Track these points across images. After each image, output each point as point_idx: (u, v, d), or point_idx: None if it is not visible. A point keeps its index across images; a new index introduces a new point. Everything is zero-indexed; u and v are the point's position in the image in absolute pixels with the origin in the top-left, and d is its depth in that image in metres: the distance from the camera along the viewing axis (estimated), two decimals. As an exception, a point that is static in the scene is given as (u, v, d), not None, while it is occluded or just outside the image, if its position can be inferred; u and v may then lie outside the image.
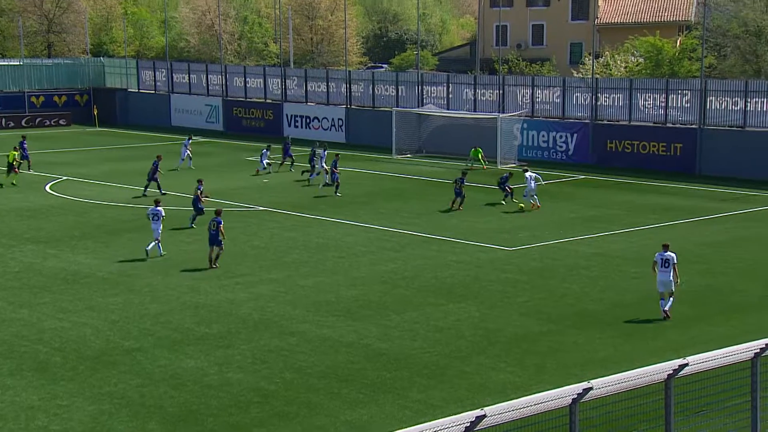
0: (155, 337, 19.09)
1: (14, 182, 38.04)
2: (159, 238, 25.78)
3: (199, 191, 29.97)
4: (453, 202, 32.25)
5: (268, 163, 40.94)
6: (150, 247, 25.68)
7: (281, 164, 41.64)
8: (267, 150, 41.13)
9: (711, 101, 40.38)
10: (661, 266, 20.03)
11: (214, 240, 24.36)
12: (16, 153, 38.86)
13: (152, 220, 25.88)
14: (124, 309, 21.01)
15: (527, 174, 32.71)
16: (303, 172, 38.81)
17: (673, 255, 20.08)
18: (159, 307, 21.19)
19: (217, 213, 24.99)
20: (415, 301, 21.54)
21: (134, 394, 16.13)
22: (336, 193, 35.33)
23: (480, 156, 42.20)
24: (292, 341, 18.75)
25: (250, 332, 19.35)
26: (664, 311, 19.86)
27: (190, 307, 21.17)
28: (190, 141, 42.90)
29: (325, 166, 37.07)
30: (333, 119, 52.61)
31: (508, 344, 18.50)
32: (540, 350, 18.15)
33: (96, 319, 20.32)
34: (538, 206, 31.98)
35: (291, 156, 41.70)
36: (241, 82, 57.89)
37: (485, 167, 42.01)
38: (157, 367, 17.37)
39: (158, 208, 26.04)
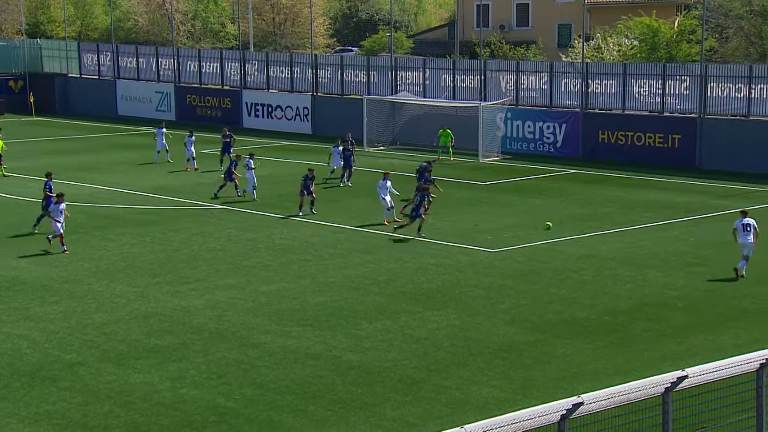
0: (100, 349, 18.95)
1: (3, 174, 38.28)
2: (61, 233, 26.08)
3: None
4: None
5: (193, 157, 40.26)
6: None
7: (221, 161, 40.85)
8: (191, 137, 40.60)
9: (712, 88, 40.73)
10: (743, 231, 24.03)
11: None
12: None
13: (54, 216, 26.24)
14: (64, 319, 20.85)
15: None
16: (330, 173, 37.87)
17: (753, 220, 24.13)
18: (104, 316, 21.04)
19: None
20: (389, 309, 21.56)
21: (76, 414, 16.00)
22: (347, 182, 36.52)
23: (450, 141, 42.19)
24: (253, 353, 18.70)
25: (205, 344, 19.27)
26: (736, 269, 23.89)
27: (138, 316, 21.05)
28: (164, 130, 42.08)
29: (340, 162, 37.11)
30: (297, 108, 52.49)
31: (491, 355, 18.57)
32: (526, 362, 18.23)
33: (33, 330, 20.14)
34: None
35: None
36: (195, 67, 57.64)
37: (452, 159, 42.09)
38: (102, 383, 17.24)
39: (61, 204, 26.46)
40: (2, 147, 38.82)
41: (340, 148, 37.57)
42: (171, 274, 24.44)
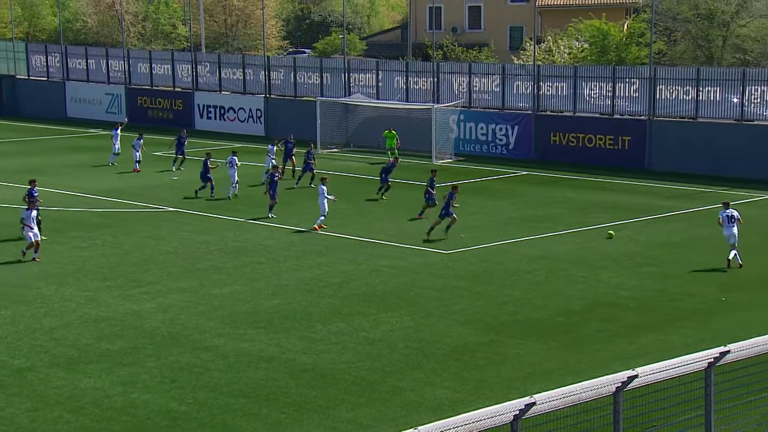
0: (49, 354, 18.70)
1: None
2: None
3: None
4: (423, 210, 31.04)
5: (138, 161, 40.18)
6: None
7: (174, 160, 40.92)
8: (140, 139, 40.46)
9: (661, 90, 41.29)
10: (728, 222, 25.21)
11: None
12: None
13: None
14: (13, 323, 20.53)
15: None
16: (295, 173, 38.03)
17: (735, 211, 25.39)
18: (53, 320, 20.77)
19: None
20: (343, 311, 21.54)
21: (25, 420, 15.76)
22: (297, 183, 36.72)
23: (395, 143, 42.45)
24: (206, 357, 18.57)
25: (157, 347, 19.10)
26: (729, 260, 24.90)
27: (89, 320, 20.80)
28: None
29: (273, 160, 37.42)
30: (250, 110, 52.25)
31: (445, 357, 18.64)
32: (479, 363, 18.33)
33: (-19, 336, 19.80)
34: None
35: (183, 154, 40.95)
36: (146, 69, 57.12)
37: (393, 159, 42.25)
38: (52, 388, 17.02)
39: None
40: None
41: (274, 148, 38.10)
42: (122, 277, 24.19)
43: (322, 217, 29.40)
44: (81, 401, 16.47)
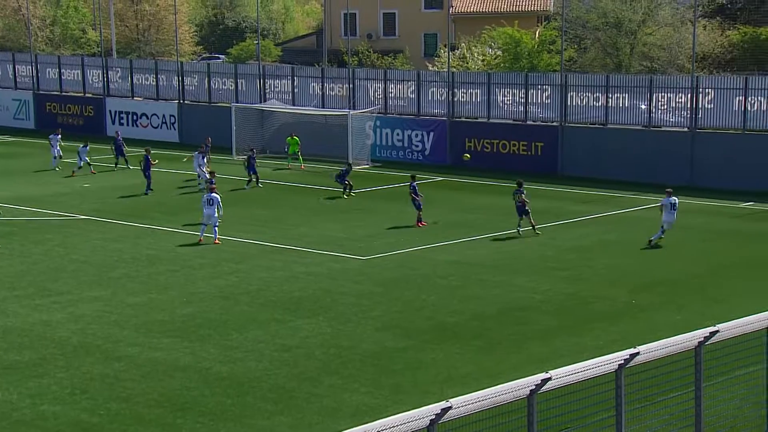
0: (-45, 368, 18.12)
1: None
2: None
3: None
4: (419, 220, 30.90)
5: (88, 163, 40.13)
6: None
7: (116, 164, 41.09)
8: (86, 147, 40.35)
9: (572, 97, 42.05)
10: (670, 209, 27.80)
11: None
12: None
13: None
14: None
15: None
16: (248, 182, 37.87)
17: (677, 199, 28.19)
18: (-41, 333, 20.12)
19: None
20: (259, 318, 21.38)
21: (-71, 437, 15.25)
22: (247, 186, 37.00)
23: (298, 150, 42.64)
24: (119, 366, 18.23)
25: (68, 358, 18.68)
26: (651, 240, 27.84)
27: (-4, 332, 20.21)
28: (59, 136, 41.10)
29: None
30: (164, 116, 51.53)
31: (362, 362, 18.65)
32: (396, 368, 18.39)
33: None
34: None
35: (124, 156, 41.36)
36: (55, 74, 55.87)
37: (302, 167, 42.44)
38: (-42, 403, 16.49)
39: None
40: None
41: (200, 154, 38.21)
42: (31, 286, 23.58)
43: (204, 227, 28.58)
44: (-12, 415, 15.99)
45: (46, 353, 18.94)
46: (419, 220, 30.95)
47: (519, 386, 11.28)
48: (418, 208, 30.96)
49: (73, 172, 40.00)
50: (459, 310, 22.12)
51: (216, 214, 28.18)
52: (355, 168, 42.40)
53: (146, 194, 35.82)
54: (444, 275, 25.14)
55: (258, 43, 57.57)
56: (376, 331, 20.61)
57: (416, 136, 44.75)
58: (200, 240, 28.29)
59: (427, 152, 44.52)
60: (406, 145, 44.99)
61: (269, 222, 31.62)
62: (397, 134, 45.21)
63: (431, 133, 44.43)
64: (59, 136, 42.80)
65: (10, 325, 20.67)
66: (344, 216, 32.75)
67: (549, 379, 11.38)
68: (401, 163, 43.99)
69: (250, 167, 37.82)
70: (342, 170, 36.27)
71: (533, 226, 29.60)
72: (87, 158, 40.10)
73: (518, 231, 29.59)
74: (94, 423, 15.82)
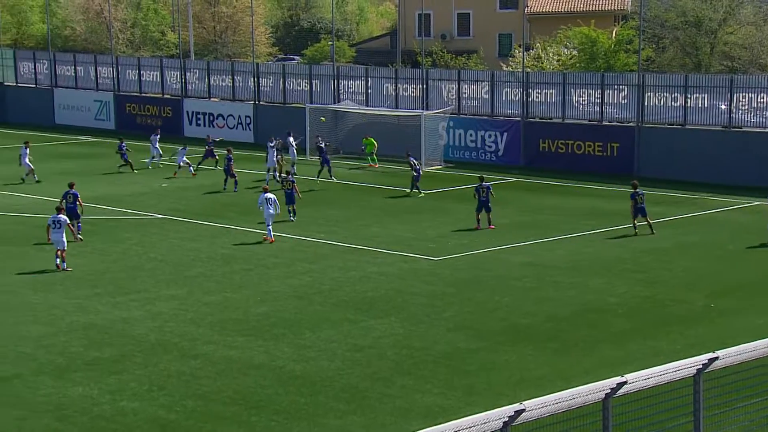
0: (37, 362, 18.62)
1: None
2: (63, 249, 25.36)
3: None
4: (481, 218, 30.54)
5: (187, 164, 40.67)
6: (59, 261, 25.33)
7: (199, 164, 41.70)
8: (184, 149, 41.05)
9: (649, 97, 41.42)
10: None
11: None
12: None
13: (53, 229, 25.42)
14: None
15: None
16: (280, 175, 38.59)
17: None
18: (41, 328, 20.68)
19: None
20: (332, 318, 21.52)
21: (12, 428, 15.69)
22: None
23: (373, 150, 43.01)
24: (195, 364, 18.53)
25: (146, 355, 19.05)
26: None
27: (77, 328, 20.72)
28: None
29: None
30: (239, 116, 52.19)
31: (435, 363, 18.63)
32: (469, 369, 18.33)
33: (-32, 344, 19.71)
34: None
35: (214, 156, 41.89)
36: (134, 75, 57.01)
37: (376, 165, 42.91)
38: (40, 396, 16.94)
39: (60, 215, 25.78)
40: None
41: (272, 144, 38.95)
42: (111, 285, 24.11)
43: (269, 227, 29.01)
44: (69, 409, 16.40)
45: (125, 350, 19.34)
46: (489, 222, 30.66)
47: (594, 390, 11.17)
48: (488, 210, 30.66)
49: (175, 173, 40.24)
50: (533, 312, 21.97)
51: (273, 211, 28.62)
52: (427, 169, 42.48)
53: (235, 191, 36.69)
54: (518, 277, 24.99)
55: (332, 44, 57.99)
56: (449, 331, 20.58)
57: (489, 136, 44.58)
58: (271, 240, 28.62)
59: (500, 153, 44.30)
60: (479, 145, 44.85)
61: (342, 222, 31.81)
62: (470, 135, 45.08)
63: (505, 134, 44.20)
64: (158, 136, 43.59)
65: (90, 322, 21.17)
66: (416, 217, 32.76)
67: (625, 382, 11.25)
68: (474, 163, 43.85)
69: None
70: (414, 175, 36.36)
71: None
72: (186, 160, 40.63)
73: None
74: (171, 420, 16.10)
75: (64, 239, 25.57)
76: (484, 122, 44.97)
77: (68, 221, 26.37)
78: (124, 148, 41.95)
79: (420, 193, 36.35)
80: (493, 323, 21.18)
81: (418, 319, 21.39)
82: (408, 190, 36.72)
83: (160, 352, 19.25)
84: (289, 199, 31.43)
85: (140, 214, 33.06)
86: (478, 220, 30.46)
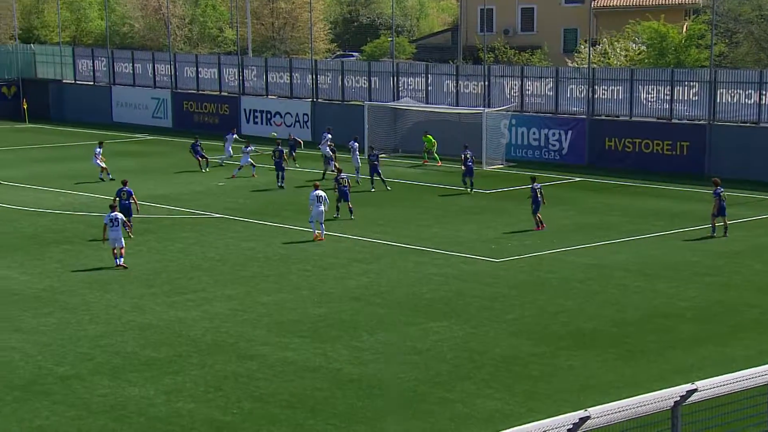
0: (94, 362, 18.93)
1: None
2: (122, 246, 25.86)
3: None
4: (538, 223, 30.22)
5: (251, 164, 40.90)
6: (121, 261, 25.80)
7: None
8: (248, 147, 41.34)
9: (721, 94, 40.73)
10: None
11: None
12: None
13: (111, 227, 25.87)
14: (57, 330, 20.82)
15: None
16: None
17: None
18: (98, 328, 21.02)
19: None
20: (390, 320, 21.53)
21: (70, 428, 15.97)
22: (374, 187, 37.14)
23: (433, 147, 43.08)
24: (251, 366, 18.67)
25: (202, 356, 19.24)
26: None
27: (134, 327, 21.03)
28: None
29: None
30: (297, 114, 52.53)
31: (496, 368, 18.54)
32: (531, 374, 18.20)
33: (25, 342, 20.11)
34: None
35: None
36: (192, 73, 57.69)
37: (439, 163, 42.74)
38: (96, 396, 17.22)
39: (115, 213, 26.29)
40: None
41: (356, 143, 39.64)
42: (167, 284, 24.42)
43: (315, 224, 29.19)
44: (125, 410, 16.64)
45: (181, 350, 19.57)
46: (540, 223, 30.32)
47: (662, 397, 11.01)
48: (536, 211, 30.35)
49: (233, 175, 40.50)
50: (597, 316, 21.74)
51: (323, 208, 28.84)
52: (489, 168, 42.33)
53: (282, 187, 37.29)
54: (582, 279, 24.75)
55: (392, 40, 58.09)
56: (510, 335, 20.45)
57: (553, 135, 44.26)
58: (316, 237, 28.82)
59: (564, 152, 43.95)
60: (542, 144, 44.54)
61: (400, 222, 31.81)
62: (534, 133, 44.80)
63: (569, 132, 43.85)
64: (234, 135, 44.01)
65: (147, 322, 21.46)
66: (476, 217, 32.63)
67: (695, 390, 11.07)
68: (537, 162, 43.58)
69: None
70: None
71: None
72: (249, 160, 41.00)
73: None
74: (227, 422, 16.24)
75: (122, 237, 26.04)
76: (547, 120, 44.65)
77: (125, 218, 26.88)
78: (198, 147, 41.98)
79: (470, 189, 36.39)
80: (555, 327, 21.00)
81: (479, 322, 21.31)
82: (468, 189, 36.66)
83: (216, 352, 19.43)
84: (344, 196, 31.59)
85: (197, 213, 33.44)
86: (538, 221, 30.23)
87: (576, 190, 38.08)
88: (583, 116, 43.80)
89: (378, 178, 37.34)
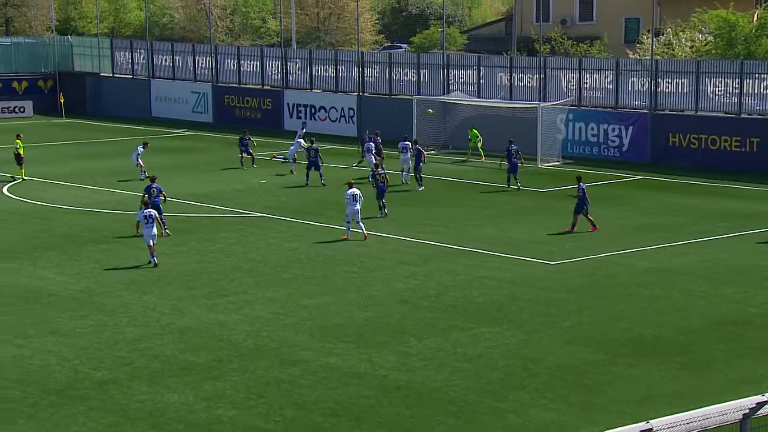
0: (132, 366, 19.15)
1: (23, 177, 39.42)
2: (152, 244, 26.23)
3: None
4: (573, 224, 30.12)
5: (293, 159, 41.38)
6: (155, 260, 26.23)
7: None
8: (303, 128, 41.58)
9: (794, 87, 40.23)
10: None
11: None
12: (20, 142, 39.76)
13: (146, 224, 26.25)
14: (94, 333, 21.10)
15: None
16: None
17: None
18: (136, 331, 21.27)
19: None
20: (439, 325, 21.53)
21: (106, 435, 16.17)
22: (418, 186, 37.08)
23: (478, 141, 43.19)
24: (294, 372, 18.78)
25: (244, 361, 19.39)
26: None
27: (173, 331, 21.24)
28: (304, 129, 42.99)
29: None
30: (342, 109, 52.74)
31: (551, 376, 18.47)
32: (589, 384, 18.10)
33: (62, 345, 20.41)
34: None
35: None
36: (234, 65, 58.19)
37: (483, 158, 42.71)
38: (134, 402, 17.42)
39: (149, 210, 26.66)
40: (21, 149, 39.52)
41: (371, 144, 39.55)
42: (207, 286, 24.64)
43: (349, 224, 29.34)
44: (164, 416, 16.82)
45: (221, 355, 19.73)
46: (572, 226, 30.02)
47: (730, 409, 10.90)
48: (577, 212, 30.05)
49: (291, 170, 40.96)
50: (660, 323, 21.56)
51: (358, 207, 29.02)
52: (544, 165, 42.15)
53: (323, 185, 37.55)
54: (643, 284, 24.56)
55: (443, 31, 58.02)
56: (566, 342, 20.35)
57: (613, 130, 44.01)
58: (346, 237, 29.02)
59: (624, 148, 43.68)
60: (601, 140, 44.30)
61: (450, 222, 31.79)
62: (592, 128, 44.58)
63: (630, 128, 43.57)
64: (304, 129, 44.35)
65: (186, 325, 21.67)
66: (530, 217, 32.50)
67: (766, 402, 10.94)
68: (595, 160, 43.33)
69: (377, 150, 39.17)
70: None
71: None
72: (297, 147, 41.40)
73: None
74: (269, 429, 16.35)
75: (155, 234, 26.40)
76: (607, 115, 44.40)
77: (158, 216, 27.26)
78: (247, 142, 42.08)
79: (515, 186, 36.47)
80: (615, 334, 20.86)
81: (533, 328, 21.23)
82: (510, 186, 36.55)
83: (258, 357, 19.57)
84: (380, 193, 31.70)
85: (237, 212, 33.70)
86: (591, 222, 29.97)
87: (637, 188, 37.79)
88: (645, 111, 43.48)
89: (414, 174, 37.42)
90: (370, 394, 17.66)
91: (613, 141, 44.02)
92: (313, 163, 38.00)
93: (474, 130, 43.83)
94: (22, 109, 61.91)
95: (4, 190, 37.79)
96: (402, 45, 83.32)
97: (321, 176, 37.99)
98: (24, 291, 24.23)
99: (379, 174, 32.19)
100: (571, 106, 45.01)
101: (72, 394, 17.82)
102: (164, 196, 30.09)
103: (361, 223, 29.26)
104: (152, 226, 26.35)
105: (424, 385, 18.09)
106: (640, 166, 41.79)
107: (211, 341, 20.55)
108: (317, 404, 17.27)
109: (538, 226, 30.97)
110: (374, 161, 36.85)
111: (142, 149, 40.03)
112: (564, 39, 65.94)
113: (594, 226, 29.99)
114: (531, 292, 23.96)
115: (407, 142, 38.68)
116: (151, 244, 26.28)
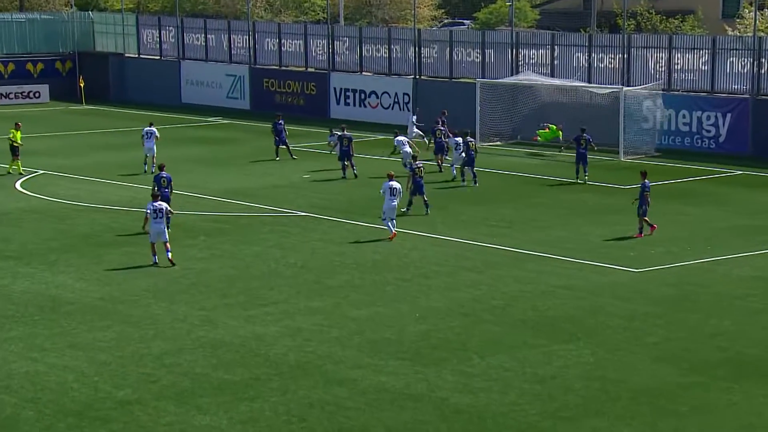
0: (158, 385, 19.33)
1: (20, 171, 39.90)
2: (166, 240, 26.54)
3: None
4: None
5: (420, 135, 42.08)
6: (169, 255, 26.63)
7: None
8: (414, 116, 41.72)
9: None
10: None
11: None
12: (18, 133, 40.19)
13: (154, 219, 26.66)
14: (117, 347, 21.32)
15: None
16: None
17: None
18: (164, 344, 21.46)
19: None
20: (506, 341, 21.49)
21: (130, 461, 16.34)
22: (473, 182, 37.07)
23: (552, 139, 43.30)
24: (340, 392, 18.83)
25: (284, 379, 19.49)
26: None
27: (204, 345, 21.40)
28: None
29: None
30: (396, 94, 52.77)
31: (634, 401, 18.36)
32: (679, 410, 17.98)
33: (80, 360, 20.65)
34: None
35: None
36: (274, 45, 58.50)
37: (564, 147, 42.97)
38: (161, 425, 17.57)
39: (159, 202, 26.99)
40: (19, 140, 39.82)
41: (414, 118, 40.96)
42: (243, 294, 24.80)
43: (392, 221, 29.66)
44: (193, 440, 16.95)
45: (259, 372, 19.85)
46: (641, 231, 29.68)
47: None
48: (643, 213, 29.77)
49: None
50: (762, 340, 21.36)
51: (396, 203, 29.31)
52: (627, 159, 41.83)
53: (356, 176, 38.20)
54: (741, 295, 24.34)
55: (512, 5, 57.80)
56: (653, 362, 20.22)
57: (708, 118, 43.66)
58: (394, 234, 29.27)
59: (721, 139, 43.31)
60: (694, 130, 44.00)
61: (517, 223, 31.70)
62: (684, 116, 44.28)
63: (728, 115, 43.19)
64: (415, 117, 44.75)
65: (219, 338, 21.82)
66: (611, 218, 32.27)
67: None
68: (687, 152, 43.01)
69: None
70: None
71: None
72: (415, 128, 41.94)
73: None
74: (310, 457, 16.42)
75: (166, 229, 26.62)
76: (701, 100, 44.10)
77: (170, 209, 27.41)
78: (281, 127, 42.28)
79: (582, 179, 36.76)
80: (710, 353, 20.69)
81: (614, 345, 21.11)
82: (578, 179, 36.63)
83: (300, 376, 19.66)
84: (419, 188, 31.87)
85: (277, 211, 33.87)
86: (648, 223, 29.68)
87: (736, 185, 37.42)
88: (746, 96, 43.06)
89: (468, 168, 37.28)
90: (426, 419, 17.67)
91: (708, 131, 43.63)
92: (345, 153, 38.19)
93: (552, 126, 43.00)
94: (37, 94, 62.74)
95: (17, 185, 38.32)
96: (465, 21, 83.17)
97: (353, 167, 38.13)
98: (39, 299, 24.57)
99: (418, 167, 32.21)
100: (659, 90, 44.65)
101: (92, 414, 18.01)
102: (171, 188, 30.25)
103: (395, 220, 29.37)
104: (161, 222, 26.57)
105: (488, 409, 18.07)
106: (740, 160, 41.37)
107: (248, 357, 20.67)
108: (366, 429, 17.31)
109: (618, 229, 30.75)
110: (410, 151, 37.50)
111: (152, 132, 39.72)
112: (651, 14, 65.44)
113: (640, 232, 29.57)
114: (611, 303, 23.83)
115: (458, 138, 38.11)
116: (159, 240, 26.51)
